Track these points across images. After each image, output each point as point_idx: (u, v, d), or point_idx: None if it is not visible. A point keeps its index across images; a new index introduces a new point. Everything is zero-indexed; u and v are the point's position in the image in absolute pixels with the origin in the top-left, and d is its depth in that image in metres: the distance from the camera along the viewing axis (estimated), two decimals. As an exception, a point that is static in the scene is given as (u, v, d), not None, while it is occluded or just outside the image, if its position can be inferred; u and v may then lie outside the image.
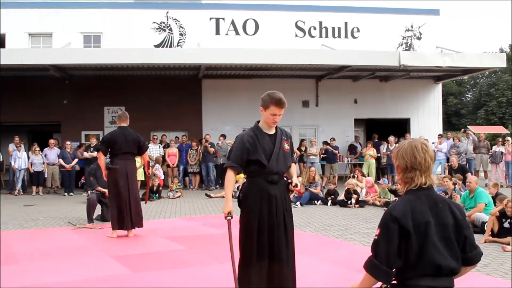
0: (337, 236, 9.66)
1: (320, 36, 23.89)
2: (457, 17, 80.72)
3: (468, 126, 30.73)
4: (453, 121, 48.73)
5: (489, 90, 46.22)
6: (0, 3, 21.32)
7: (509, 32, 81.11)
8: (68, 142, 19.16)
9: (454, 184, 12.41)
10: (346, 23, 24.13)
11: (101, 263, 7.35)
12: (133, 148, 9.49)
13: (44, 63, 18.41)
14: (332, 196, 14.93)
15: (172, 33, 23.05)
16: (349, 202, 14.21)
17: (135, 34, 22.25)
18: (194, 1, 24.05)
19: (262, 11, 23.53)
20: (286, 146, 5.01)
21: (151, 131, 21.02)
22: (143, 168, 12.17)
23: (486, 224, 9.27)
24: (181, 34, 23.12)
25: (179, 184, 18.04)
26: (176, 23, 23.09)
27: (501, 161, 19.85)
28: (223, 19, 23.34)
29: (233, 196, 5.11)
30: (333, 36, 24.00)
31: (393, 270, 3.13)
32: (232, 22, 23.36)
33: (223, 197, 15.57)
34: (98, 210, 11.74)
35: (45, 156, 18.64)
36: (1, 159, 19.70)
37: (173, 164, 19.63)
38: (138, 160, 11.20)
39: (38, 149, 18.66)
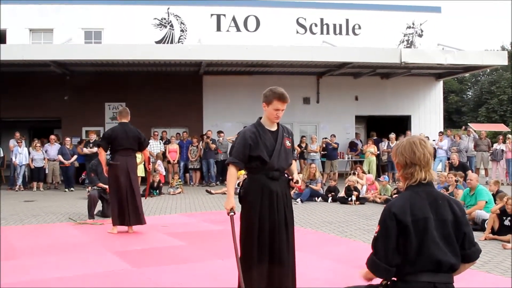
0: (337, 233, 9.67)
1: (321, 33, 23.88)
2: (459, 15, 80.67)
3: (469, 124, 30.71)
4: (454, 119, 48.72)
5: (490, 87, 46.19)
6: (1, -2, 21.33)
7: (510, 30, 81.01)
8: (68, 138, 19.15)
9: (456, 181, 12.41)
10: (347, 20, 24.11)
11: (102, 259, 7.36)
12: (133, 144, 9.50)
13: (45, 59, 18.40)
14: (333, 193, 14.94)
15: (173, 29, 23.04)
16: (349, 199, 14.21)
17: (136, 30, 22.24)
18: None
19: (263, 8, 23.51)
20: (288, 143, 5.03)
21: (151, 127, 21.01)
22: (144, 164, 12.20)
23: (486, 222, 9.27)
24: (182, 30, 23.11)
25: (180, 180, 18.05)
26: (177, 19, 23.08)
27: (502, 159, 19.84)
28: (224, 15, 23.33)
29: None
30: (334, 33, 23.99)
31: (393, 266, 3.13)
32: (233, 19, 23.34)
33: (224, 193, 15.69)
34: (98, 206, 11.74)
35: (45, 152, 18.64)
36: (2, 155, 19.70)
37: (174, 161, 19.62)
38: (139, 156, 11.22)
39: (38, 144, 18.67)
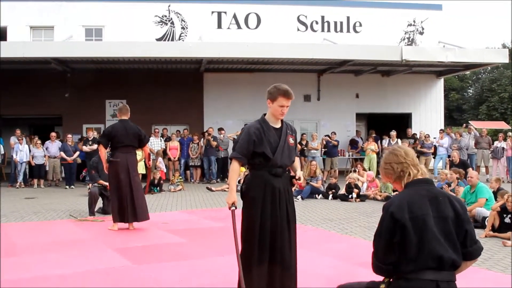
0: (338, 230, 9.67)
1: (322, 30, 23.86)
2: (460, 12, 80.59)
3: (469, 122, 30.71)
4: (454, 116, 48.70)
5: (491, 85, 46.15)
6: (1, -4, 21.31)
7: (511, 28, 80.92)
8: (69, 135, 19.16)
9: (458, 178, 12.40)
10: (348, 18, 24.08)
11: (102, 256, 7.37)
12: (134, 141, 9.49)
13: (46, 56, 18.41)
14: (333, 190, 14.96)
15: (173, 27, 23.03)
16: (350, 196, 14.23)
17: (136, 28, 22.22)
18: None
19: (264, 5, 23.49)
20: (291, 140, 5.05)
21: (152, 125, 21.01)
22: (144, 161, 12.19)
23: (486, 219, 9.28)
24: (182, 28, 23.10)
25: (180, 177, 18.06)
26: (178, 17, 23.06)
27: (502, 156, 19.84)
28: (225, 12, 23.31)
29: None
30: (335, 30, 23.97)
31: (391, 264, 3.16)
32: (234, 16, 23.32)
33: (224, 190, 15.72)
34: (99, 203, 11.75)
35: (46, 149, 18.65)
36: (3, 152, 19.71)
37: (174, 158, 19.64)
38: (139, 153, 11.21)
39: (39, 142, 18.68)
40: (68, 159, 18.39)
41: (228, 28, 23.30)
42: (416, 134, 21.92)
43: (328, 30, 23.88)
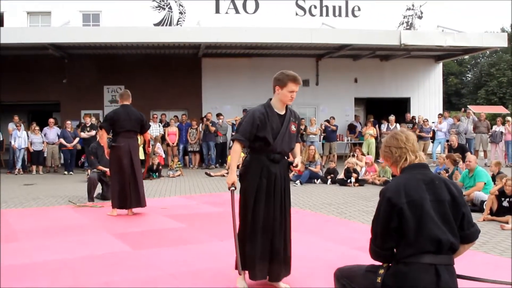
0: (336, 214, 9.70)
1: (321, 14, 23.77)
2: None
3: (468, 106, 30.69)
4: (453, 101, 48.68)
5: (490, 70, 46.09)
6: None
7: (510, 11, 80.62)
8: (69, 122, 19.15)
9: (457, 162, 12.39)
10: (346, 2, 24.00)
11: (102, 241, 7.38)
12: (136, 127, 9.43)
13: (43, 42, 18.35)
14: (332, 175, 14.98)
15: (171, 12, 22.94)
16: (348, 181, 14.26)
17: (134, 13, 22.13)
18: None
19: (262, -11, 23.40)
20: (293, 128, 5.13)
21: (150, 110, 20.98)
22: (143, 147, 12.18)
23: (485, 203, 9.30)
24: (180, 13, 23.00)
25: (179, 163, 18.07)
26: (175, 1, 22.96)
27: (501, 140, 19.86)
28: (223, -3, 23.22)
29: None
30: (334, 15, 23.89)
31: (389, 249, 3.18)
32: (232, 1, 23.22)
33: (223, 175, 15.73)
34: (98, 189, 11.76)
35: (44, 135, 18.64)
36: (1, 139, 19.69)
37: (173, 143, 19.64)
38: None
39: (37, 128, 18.67)
40: (67, 145, 18.39)
41: (226, 13, 23.21)
42: (414, 118, 21.92)
43: (327, 15, 23.79)
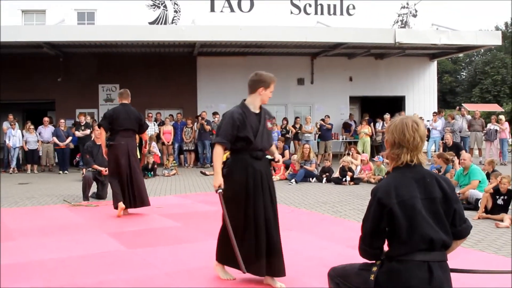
0: (331, 213, 9.71)
1: (316, 13, 23.79)
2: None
3: (462, 104, 30.76)
4: (448, 99, 48.77)
5: (484, 68, 46.18)
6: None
7: (505, 10, 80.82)
8: (62, 120, 19.11)
9: (452, 161, 12.41)
10: (341, 0, 24.03)
11: (97, 240, 7.38)
12: (134, 125, 9.34)
13: (38, 40, 18.32)
14: (327, 174, 14.99)
15: (166, 10, 22.91)
16: (343, 179, 14.27)
17: (129, 11, 22.10)
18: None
19: (257, -12, 23.40)
20: (269, 125, 5.34)
21: (145, 109, 20.95)
22: (139, 146, 12.11)
23: (479, 201, 9.33)
24: (175, 11, 22.98)
25: (174, 162, 18.06)
26: (170, 0, 22.93)
27: (496, 138, 19.91)
28: (218, -5, 23.20)
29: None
30: (329, 13, 23.91)
31: (377, 249, 3.19)
32: (227, -1, 23.22)
33: (212, 174, 15.69)
34: (93, 188, 11.74)
35: (39, 134, 18.60)
36: (-4, 138, 19.67)
37: (168, 142, 19.62)
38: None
39: (32, 127, 18.62)
40: (60, 144, 18.34)
41: (221, 11, 23.20)
42: (409, 117, 21.88)
43: (322, 13, 23.81)
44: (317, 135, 21.09)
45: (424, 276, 3.06)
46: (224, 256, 5.22)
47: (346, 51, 22.15)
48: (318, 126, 20.96)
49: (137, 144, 11.90)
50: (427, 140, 20.75)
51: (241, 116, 5.10)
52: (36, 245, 7.06)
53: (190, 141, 19.75)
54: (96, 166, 11.52)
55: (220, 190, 5.00)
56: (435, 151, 17.99)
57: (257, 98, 5.22)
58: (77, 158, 18.73)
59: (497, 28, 50.66)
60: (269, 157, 5.50)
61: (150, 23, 22.45)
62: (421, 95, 24.63)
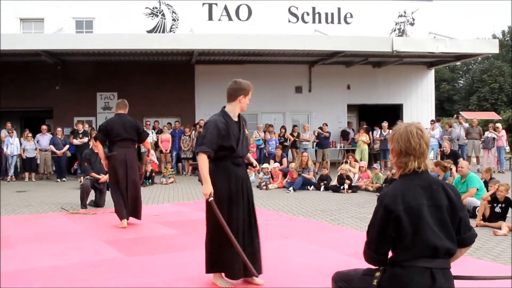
0: (329, 221, 9.71)
1: (313, 21, 23.83)
2: (450, 3, 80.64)
3: (460, 112, 30.80)
4: (445, 107, 48.85)
5: (482, 76, 46.27)
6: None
7: (502, 18, 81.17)
8: (59, 128, 19.11)
9: (450, 169, 12.42)
10: (339, 9, 24.07)
11: (95, 248, 7.37)
12: (132, 134, 9.11)
13: (36, 49, 18.33)
14: (325, 182, 14.99)
15: (164, 19, 22.95)
16: (341, 187, 14.28)
17: (127, 20, 22.12)
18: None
19: (255, -4, 23.45)
20: (247, 132, 5.50)
21: (143, 117, 20.94)
22: (138, 153, 12.08)
23: (477, 209, 9.34)
24: (173, 20, 23.02)
25: (172, 170, 18.05)
26: (168, 8, 22.97)
27: (493, 146, 19.95)
28: (216, 4, 23.23)
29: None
30: (326, 21, 23.95)
31: (383, 254, 3.20)
32: (225, 8, 23.26)
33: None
34: (91, 196, 11.72)
35: (37, 142, 18.59)
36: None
37: (166, 150, 19.62)
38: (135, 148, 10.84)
39: (30, 135, 18.62)
40: (57, 152, 18.33)
41: (219, 20, 23.24)
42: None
43: (319, 22, 23.86)
44: (315, 143, 21.09)
45: (427, 282, 3.06)
46: (214, 263, 5.34)
47: (343, 59, 22.21)
48: (316, 134, 20.97)
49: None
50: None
51: (225, 125, 5.20)
52: (34, 253, 7.05)
53: (188, 149, 19.74)
54: (94, 174, 11.51)
55: (211, 198, 5.05)
56: (433, 159, 17.98)
57: (237, 106, 5.38)
58: (75, 166, 18.72)
59: (494, 37, 50.83)
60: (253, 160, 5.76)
61: (148, 32, 22.47)
62: (418, 103, 24.68)
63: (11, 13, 22.02)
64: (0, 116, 21.70)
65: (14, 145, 18.31)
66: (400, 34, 24.37)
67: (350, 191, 14.18)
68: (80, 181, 13.38)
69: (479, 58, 44.00)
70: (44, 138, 18.68)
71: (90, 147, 12.89)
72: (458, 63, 40.98)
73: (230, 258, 5.19)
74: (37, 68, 20.85)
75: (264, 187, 15.13)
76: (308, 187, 14.97)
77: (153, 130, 20.00)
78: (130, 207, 9.05)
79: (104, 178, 11.56)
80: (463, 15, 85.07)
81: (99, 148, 9.42)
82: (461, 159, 14.61)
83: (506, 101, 43.28)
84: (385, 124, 20.85)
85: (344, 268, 3.81)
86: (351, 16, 24.08)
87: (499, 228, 8.35)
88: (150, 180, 16.36)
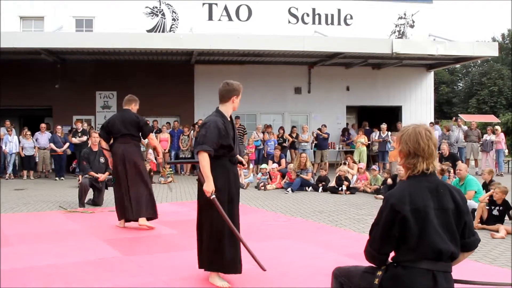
0: (327, 222, 9.72)
1: (313, 22, 23.85)
2: (450, 6, 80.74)
3: (459, 115, 30.85)
4: (444, 110, 48.86)
5: (481, 79, 46.31)
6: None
7: (502, 21, 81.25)
8: (59, 127, 19.10)
9: (449, 172, 12.45)
10: (339, 10, 24.08)
11: (93, 247, 7.37)
12: (131, 130, 8.81)
13: (36, 47, 18.33)
14: (323, 183, 15.00)
15: (164, 18, 22.95)
16: (340, 188, 14.29)
17: (127, 19, 22.12)
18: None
19: (255, -3, 23.46)
20: (237, 131, 5.70)
21: (142, 116, 20.86)
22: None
23: (475, 211, 9.36)
24: (173, 19, 23.02)
25: (171, 169, 18.04)
26: (168, 8, 22.98)
27: (492, 149, 19.97)
28: (216, 4, 23.24)
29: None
30: (326, 23, 23.97)
31: (385, 254, 3.20)
32: (225, 8, 23.27)
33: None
34: (89, 195, 11.72)
35: (36, 140, 18.59)
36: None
37: (165, 150, 19.61)
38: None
39: (29, 133, 18.62)
40: (58, 150, 18.32)
41: (219, 20, 23.25)
42: (406, 127, 21.91)
43: (319, 23, 23.87)
44: (313, 144, 21.09)
45: (429, 284, 3.08)
46: (214, 261, 5.42)
47: (343, 60, 22.22)
48: (315, 135, 20.97)
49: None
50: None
51: (223, 125, 5.36)
52: (31, 251, 7.05)
53: (186, 149, 19.74)
54: (92, 173, 11.53)
55: (213, 196, 5.15)
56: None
57: (230, 106, 5.55)
58: (73, 165, 18.71)
59: (494, 40, 50.83)
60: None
61: (148, 31, 22.46)
62: (417, 105, 24.70)
63: (12, 11, 22.00)
64: (-1, 114, 21.71)
65: (13, 143, 18.29)
66: (400, 36, 24.38)
67: (348, 192, 14.19)
68: (79, 180, 13.37)
69: (479, 61, 43.94)
70: (43, 137, 18.68)
71: (89, 145, 12.89)
72: (458, 65, 41.04)
73: (232, 255, 5.34)
74: (36, 66, 20.85)
75: (262, 188, 15.14)
76: (306, 188, 14.98)
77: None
78: (133, 207, 8.62)
79: (102, 177, 11.59)
80: (463, 17, 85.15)
81: (103, 146, 9.32)
82: (459, 161, 14.61)
83: (505, 104, 43.31)
84: (384, 126, 20.85)
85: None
86: (351, 18, 24.10)
87: (497, 231, 8.37)
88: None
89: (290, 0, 23.69)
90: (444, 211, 3.16)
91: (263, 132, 20.40)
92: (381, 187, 13.91)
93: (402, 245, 3.14)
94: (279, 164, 16.88)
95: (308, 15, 23.90)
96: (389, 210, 3.14)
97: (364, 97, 24.05)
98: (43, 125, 19.08)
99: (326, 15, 24.05)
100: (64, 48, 18.87)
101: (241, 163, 5.84)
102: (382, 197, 11.35)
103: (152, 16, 22.84)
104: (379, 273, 3.23)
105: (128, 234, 8.33)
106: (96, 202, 11.51)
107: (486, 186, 10.81)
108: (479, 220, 9.02)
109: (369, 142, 21.05)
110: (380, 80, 24.13)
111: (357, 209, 11.29)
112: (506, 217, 9.01)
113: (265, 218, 9.76)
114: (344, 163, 16.95)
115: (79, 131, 18.75)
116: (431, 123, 21.54)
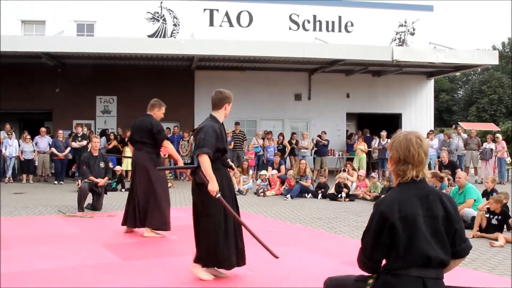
0: (326, 229, 9.71)
1: (314, 29, 23.91)
2: (451, 14, 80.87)
3: (459, 123, 30.85)
4: (444, 118, 48.89)
5: (481, 87, 46.37)
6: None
7: (502, 30, 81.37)
8: (61, 131, 19.10)
9: (448, 179, 12.44)
10: (340, 17, 24.15)
11: (92, 251, 7.36)
12: (143, 137, 8.58)
13: (37, 51, 18.35)
14: (323, 189, 15.00)
15: (165, 24, 23.00)
16: (339, 195, 14.28)
17: (128, 24, 22.18)
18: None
19: (256, 3, 23.51)
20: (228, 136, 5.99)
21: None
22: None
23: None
24: (174, 25, 23.07)
25: (170, 175, 18.03)
26: (170, 14, 23.03)
27: (491, 157, 19.96)
28: (217, 10, 23.31)
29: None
30: (327, 29, 24.03)
31: (377, 262, 3.21)
32: (226, 14, 23.33)
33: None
34: (88, 199, 11.72)
35: (36, 144, 18.58)
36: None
37: (165, 155, 19.56)
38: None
39: (28, 137, 18.62)
40: (59, 155, 18.31)
41: (220, 26, 23.30)
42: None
43: (320, 30, 23.93)
44: (313, 151, 21.09)
45: None
46: (210, 259, 5.68)
47: (343, 67, 22.25)
48: (315, 142, 20.97)
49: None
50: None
51: (219, 129, 5.70)
52: (30, 255, 7.04)
53: (186, 155, 19.74)
54: (92, 178, 11.52)
55: (219, 195, 5.42)
56: (431, 170, 18.00)
57: (223, 113, 5.90)
58: (73, 169, 18.70)
59: (494, 48, 50.95)
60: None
61: (149, 36, 22.52)
62: (417, 113, 24.72)
63: (13, 15, 22.06)
64: (-1, 117, 21.73)
65: (12, 146, 18.30)
66: (400, 43, 24.43)
67: (347, 199, 14.19)
68: (78, 184, 13.36)
69: (479, 69, 44.11)
70: (43, 140, 18.68)
71: (89, 150, 12.89)
72: (458, 73, 41.08)
73: (227, 252, 5.60)
74: (37, 70, 20.88)
75: (262, 194, 15.14)
76: (306, 194, 14.97)
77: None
78: (139, 215, 8.41)
79: (102, 181, 11.59)
80: (463, 26, 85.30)
81: (131, 151, 9.21)
82: (459, 169, 14.62)
83: (505, 113, 43.34)
84: (383, 133, 20.86)
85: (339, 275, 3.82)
86: (352, 25, 24.16)
87: (496, 240, 8.36)
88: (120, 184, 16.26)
89: (291, 6, 23.75)
90: (434, 218, 3.16)
91: (263, 138, 20.40)
92: (381, 194, 13.89)
93: (392, 252, 3.15)
94: (279, 171, 16.88)
95: (309, 21, 23.97)
96: (379, 217, 3.16)
97: (364, 104, 24.07)
98: (43, 129, 19.08)
99: (327, 22, 24.11)
100: (65, 52, 18.90)
101: (231, 167, 6.05)
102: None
103: (153, 21, 22.89)
104: (371, 281, 3.24)
105: (126, 239, 8.32)
106: (95, 206, 11.50)
107: (486, 194, 10.83)
108: (478, 228, 9.02)
109: (369, 149, 21.06)
110: (380, 88, 24.16)
111: (356, 216, 11.29)
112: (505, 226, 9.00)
113: (264, 225, 9.75)
114: (344, 170, 16.95)
115: (79, 135, 18.75)
116: (430, 131, 21.53)
